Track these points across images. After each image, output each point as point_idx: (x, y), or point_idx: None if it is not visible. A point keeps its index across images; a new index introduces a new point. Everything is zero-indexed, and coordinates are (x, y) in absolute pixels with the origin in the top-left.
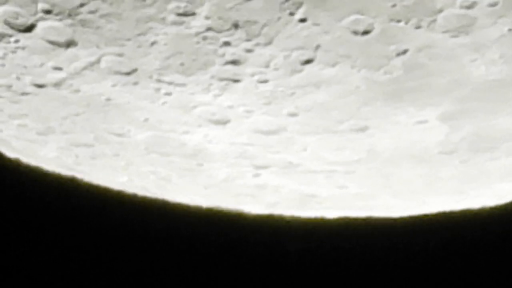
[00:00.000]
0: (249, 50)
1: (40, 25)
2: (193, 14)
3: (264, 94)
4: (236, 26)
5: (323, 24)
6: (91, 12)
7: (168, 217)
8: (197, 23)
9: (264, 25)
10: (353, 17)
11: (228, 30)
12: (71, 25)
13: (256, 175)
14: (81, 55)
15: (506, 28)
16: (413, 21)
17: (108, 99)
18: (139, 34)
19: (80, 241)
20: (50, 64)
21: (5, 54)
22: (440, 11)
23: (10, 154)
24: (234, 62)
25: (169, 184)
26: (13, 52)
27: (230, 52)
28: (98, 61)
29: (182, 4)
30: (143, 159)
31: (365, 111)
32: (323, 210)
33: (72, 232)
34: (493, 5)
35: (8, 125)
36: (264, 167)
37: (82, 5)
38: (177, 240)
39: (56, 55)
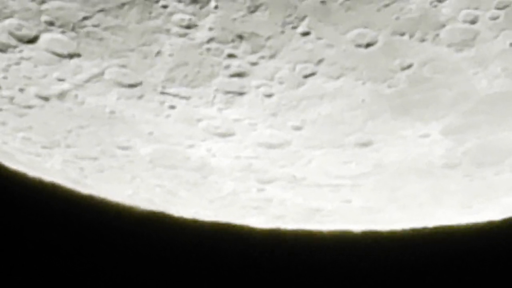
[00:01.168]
0: (254, 63)
1: (44, 37)
2: (198, 25)
3: (269, 107)
4: (240, 38)
5: (327, 37)
6: (95, 25)
7: (173, 230)
8: (202, 34)
9: (269, 38)
10: (357, 31)
11: (232, 42)
12: (75, 37)
13: (261, 189)
14: (85, 66)
15: (508, 42)
16: (418, 34)
17: (112, 112)
18: (143, 46)
19: (85, 254)
20: (54, 75)
21: (8, 66)
22: (444, 25)
23: (15, 167)
24: (239, 75)
25: (175, 197)
26: (17, 63)
27: (235, 65)
28: (102, 72)
29: (187, 16)
30: (148, 172)
31: (371, 124)
32: (328, 224)
33: (77, 245)
34: (495, 18)
35: (12, 138)
36: (269, 181)
37: (86, 18)
38: (183, 253)
39: (60, 66)
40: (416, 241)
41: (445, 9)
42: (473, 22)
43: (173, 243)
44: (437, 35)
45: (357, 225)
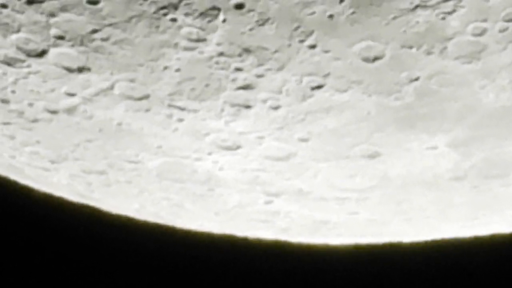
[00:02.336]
0: (260, 76)
1: (52, 51)
2: (206, 39)
3: (275, 119)
4: (247, 51)
5: (334, 50)
6: (104, 39)
7: (180, 243)
8: (209, 48)
9: (276, 51)
10: (363, 44)
11: (239, 55)
12: (84, 51)
13: (268, 202)
14: (94, 80)
15: None
16: (425, 47)
17: (120, 125)
18: (151, 60)
19: (93, 268)
20: (63, 89)
21: (16, 80)
22: (451, 38)
23: (23, 181)
24: (246, 87)
25: (182, 210)
26: (25, 77)
27: (242, 78)
28: (111, 87)
29: (195, 30)
30: (155, 185)
31: (377, 137)
32: (334, 237)
33: (85, 259)
34: (503, 31)
35: (21, 152)
36: (276, 193)
37: (94, 31)
38: (189, 266)
39: (68, 80)
40: (422, 254)
41: (453, 22)
42: (480, 34)
43: (179, 255)
44: (445, 48)
45: (363, 237)
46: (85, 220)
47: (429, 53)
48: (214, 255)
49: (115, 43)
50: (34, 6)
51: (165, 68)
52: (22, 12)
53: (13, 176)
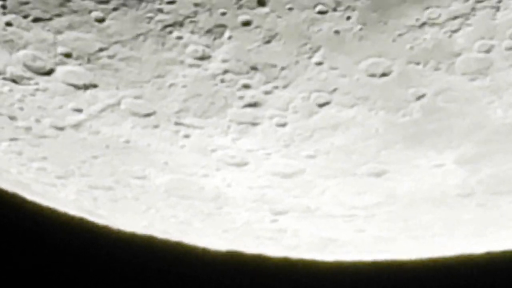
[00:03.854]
0: (267, 92)
1: (60, 69)
2: (211, 57)
3: (282, 136)
4: (255, 69)
5: (341, 67)
6: (111, 56)
7: (188, 260)
8: (216, 65)
9: (283, 68)
10: (370, 60)
11: (247, 72)
12: (91, 68)
13: (275, 220)
14: (101, 97)
15: None
16: (432, 64)
17: (127, 141)
18: (158, 77)
19: (99, 285)
20: (70, 106)
21: (24, 97)
22: (459, 54)
23: (30, 197)
24: (252, 105)
25: (189, 227)
26: (32, 94)
27: (249, 95)
28: (117, 103)
29: (201, 47)
30: (163, 202)
31: (384, 154)
32: (342, 254)
33: (92, 275)
34: (510, 48)
35: (28, 168)
36: (283, 211)
37: (101, 49)
38: (197, 283)
39: (75, 97)
40: (429, 271)
41: (460, 39)
42: (488, 51)
43: (187, 273)
44: (452, 64)
45: (370, 255)
46: (92, 236)
47: (436, 69)
48: (222, 273)
49: (121, 60)
50: (41, 23)
51: (172, 85)
52: (29, 30)
53: (21, 192)
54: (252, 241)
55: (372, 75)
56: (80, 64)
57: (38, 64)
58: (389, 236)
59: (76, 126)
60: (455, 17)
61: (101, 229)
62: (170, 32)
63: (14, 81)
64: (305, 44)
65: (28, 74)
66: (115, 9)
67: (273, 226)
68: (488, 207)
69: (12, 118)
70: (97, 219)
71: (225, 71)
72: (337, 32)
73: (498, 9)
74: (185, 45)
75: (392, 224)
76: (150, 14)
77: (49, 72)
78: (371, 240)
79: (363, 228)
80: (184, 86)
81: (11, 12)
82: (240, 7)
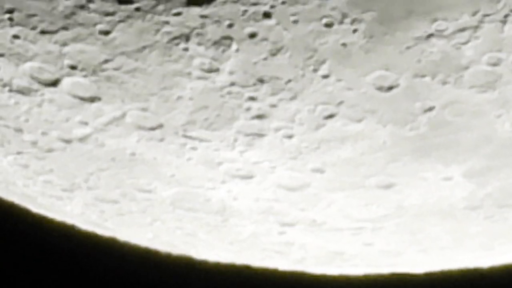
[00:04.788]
0: (274, 105)
1: (65, 81)
2: (218, 69)
3: (289, 149)
4: (261, 81)
5: (348, 80)
6: (116, 68)
7: (194, 273)
8: (222, 78)
9: (289, 81)
10: (377, 73)
11: (253, 85)
12: (96, 80)
13: (282, 232)
14: (107, 110)
15: None
16: (440, 77)
17: (133, 154)
18: (164, 89)
19: None
20: (77, 118)
21: (30, 109)
22: (467, 67)
23: (36, 210)
24: (259, 117)
25: (195, 240)
26: (39, 106)
27: (255, 107)
28: (123, 116)
29: (207, 60)
30: (169, 215)
31: (392, 167)
32: (349, 267)
33: None
34: None
35: (34, 181)
36: (290, 224)
37: (107, 61)
38: None
39: (82, 110)
40: (437, 284)
41: (468, 52)
42: (496, 64)
43: (193, 285)
44: (460, 77)
45: (378, 268)
46: (99, 249)
47: (444, 82)
48: (229, 285)
49: (127, 72)
50: (47, 36)
51: (178, 97)
52: (35, 42)
53: (27, 205)
54: (259, 254)
55: (379, 88)
56: (85, 76)
57: (44, 76)
58: (396, 249)
59: (83, 139)
60: (463, 30)
61: (107, 242)
62: (177, 44)
63: (21, 92)
64: (311, 56)
65: (35, 85)
66: (120, 21)
67: (280, 239)
68: (496, 220)
69: (18, 130)
70: (104, 231)
71: (232, 83)
72: (343, 44)
73: (505, 22)
74: (192, 57)
75: (399, 237)
76: (156, 26)
77: (55, 83)
78: (378, 253)
79: (370, 241)
80: (190, 99)
81: (18, 25)
82: (246, 19)
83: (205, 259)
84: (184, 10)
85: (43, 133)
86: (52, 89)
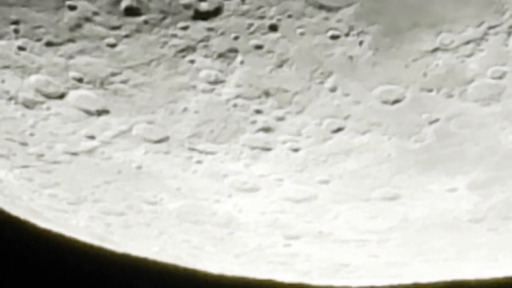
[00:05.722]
0: (280, 118)
1: (72, 93)
2: (224, 81)
3: (295, 162)
4: (267, 94)
5: (354, 93)
6: (123, 81)
7: (200, 285)
8: (228, 90)
9: (296, 93)
10: (384, 87)
11: (259, 98)
12: (103, 94)
13: (287, 245)
14: (113, 123)
15: None
16: (445, 90)
17: (139, 167)
18: (170, 102)
19: None
20: (83, 132)
21: (36, 122)
22: (471, 80)
23: (42, 224)
24: (265, 130)
25: (202, 252)
26: (45, 119)
27: (261, 120)
28: (130, 129)
29: (213, 72)
30: (175, 228)
31: (397, 179)
32: (355, 279)
33: None
34: None
35: (39, 194)
36: (295, 236)
37: (113, 74)
38: None
39: (88, 123)
40: None
41: (472, 65)
42: (500, 77)
43: None
44: (464, 90)
45: (383, 280)
46: (104, 262)
47: (449, 96)
48: None
49: (134, 85)
50: (53, 48)
51: (184, 110)
52: (41, 54)
53: (32, 218)
54: (264, 266)
55: (385, 102)
56: (91, 89)
57: (50, 88)
58: (402, 261)
59: (89, 152)
60: (468, 42)
61: (113, 255)
62: (183, 57)
63: (26, 106)
64: (317, 69)
65: (41, 98)
66: (127, 34)
67: (285, 251)
68: (500, 232)
69: (24, 144)
70: (109, 245)
71: (238, 96)
72: (349, 57)
73: (510, 34)
74: (198, 70)
75: (404, 249)
76: (163, 39)
77: (62, 96)
78: (383, 265)
79: (375, 253)
80: (196, 112)
81: (23, 36)
82: (252, 32)
83: (211, 271)
84: (191, 23)
85: (49, 147)
86: (58, 102)
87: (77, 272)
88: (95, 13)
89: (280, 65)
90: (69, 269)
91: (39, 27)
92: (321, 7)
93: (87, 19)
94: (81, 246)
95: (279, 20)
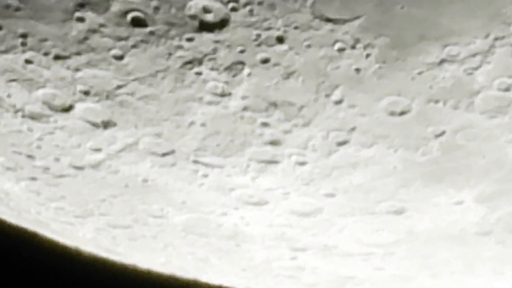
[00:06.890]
0: (287, 131)
1: (78, 106)
2: (231, 94)
3: (302, 175)
4: (274, 106)
5: (360, 105)
6: (129, 94)
7: None
8: (235, 103)
9: (302, 106)
10: (390, 99)
11: (266, 110)
12: (109, 106)
13: (294, 258)
14: (120, 136)
15: None
16: (451, 102)
17: (145, 180)
18: (176, 114)
19: None
20: (89, 145)
21: (42, 135)
22: (478, 92)
23: (49, 236)
24: (272, 143)
25: (207, 265)
26: (51, 133)
27: (268, 133)
28: (136, 142)
29: (220, 84)
30: (181, 240)
31: (403, 192)
32: None
33: None
34: None
35: (46, 207)
36: (302, 249)
37: (120, 86)
38: None
39: (94, 136)
40: None
41: (479, 77)
42: (507, 89)
43: None
44: (471, 102)
45: None
46: (110, 274)
47: (455, 108)
48: None
49: (140, 98)
50: (60, 61)
51: (190, 123)
52: (48, 68)
53: (39, 231)
54: (271, 279)
55: (391, 114)
56: (98, 101)
57: (57, 101)
58: (407, 274)
59: (95, 165)
60: (474, 55)
61: (119, 267)
62: (190, 69)
63: (33, 119)
64: (324, 81)
65: (47, 111)
66: (134, 46)
67: (292, 264)
68: (507, 245)
69: (31, 157)
70: (115, 257)
71: (245, 108)
72: (356, 70)
73: None
74: (205, 82)
75: (410, 262)
76: (169, 51)
77: (68, 109)
78: (389, 278)
79: (381, 266)
80: (203, 124)
81: (31, 50)
82: (259, 44)
83: (216, 284)
84: (197, 35)
85: (56, 159)
86: (65, 115)
87: (83, 283)
88: (102, 25)
89: (287, 78)
90: (76, 280)
91: (47, 39)
92: (328, 19)
93: (95, 31)
94: (88, 258)
95: (285, 32)
